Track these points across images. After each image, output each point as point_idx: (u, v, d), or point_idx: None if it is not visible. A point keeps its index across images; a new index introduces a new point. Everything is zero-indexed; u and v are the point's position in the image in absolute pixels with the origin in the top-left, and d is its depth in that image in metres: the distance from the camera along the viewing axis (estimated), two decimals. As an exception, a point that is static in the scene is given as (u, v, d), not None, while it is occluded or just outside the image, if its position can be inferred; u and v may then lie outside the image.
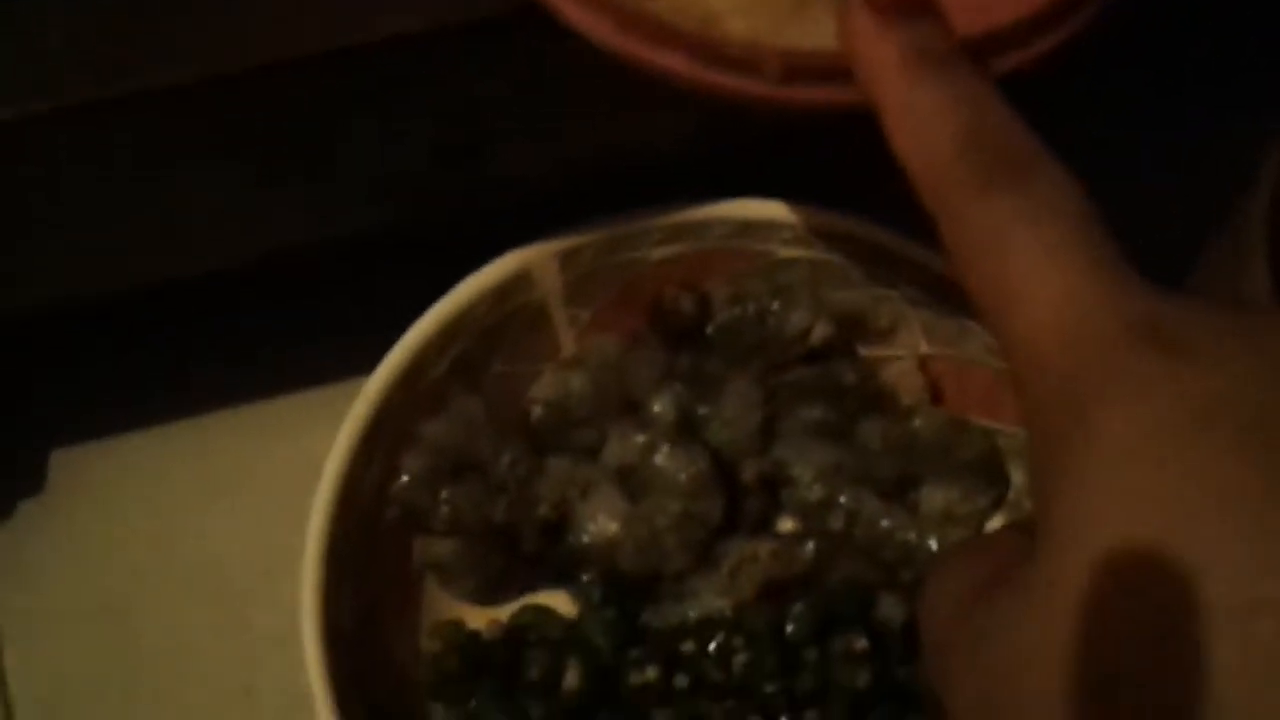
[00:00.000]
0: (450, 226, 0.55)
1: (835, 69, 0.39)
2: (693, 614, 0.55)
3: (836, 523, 0.57)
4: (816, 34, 0.40)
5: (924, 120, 0.36)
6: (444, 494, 0.55)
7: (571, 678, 0.53)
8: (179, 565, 0.57)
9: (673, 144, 0.54)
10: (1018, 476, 0.57)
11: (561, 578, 0.57)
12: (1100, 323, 0.31)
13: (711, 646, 0.54)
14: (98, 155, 0.49)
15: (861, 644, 0.54)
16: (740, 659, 0.53)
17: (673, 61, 0.40)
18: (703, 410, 0.57)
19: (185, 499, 0.58)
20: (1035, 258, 0.32)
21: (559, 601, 0.57)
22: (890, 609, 0.55)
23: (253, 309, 0.59)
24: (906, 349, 0.58)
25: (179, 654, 0.57)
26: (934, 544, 0.56)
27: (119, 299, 0.55)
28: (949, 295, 0.55)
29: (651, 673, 0.53)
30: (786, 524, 0.58)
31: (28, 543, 0.59)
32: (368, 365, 0.55)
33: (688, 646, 0.54)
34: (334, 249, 0.55)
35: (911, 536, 0.56)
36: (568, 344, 0.58)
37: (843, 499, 0.57)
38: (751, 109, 0.41)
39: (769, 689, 0.53)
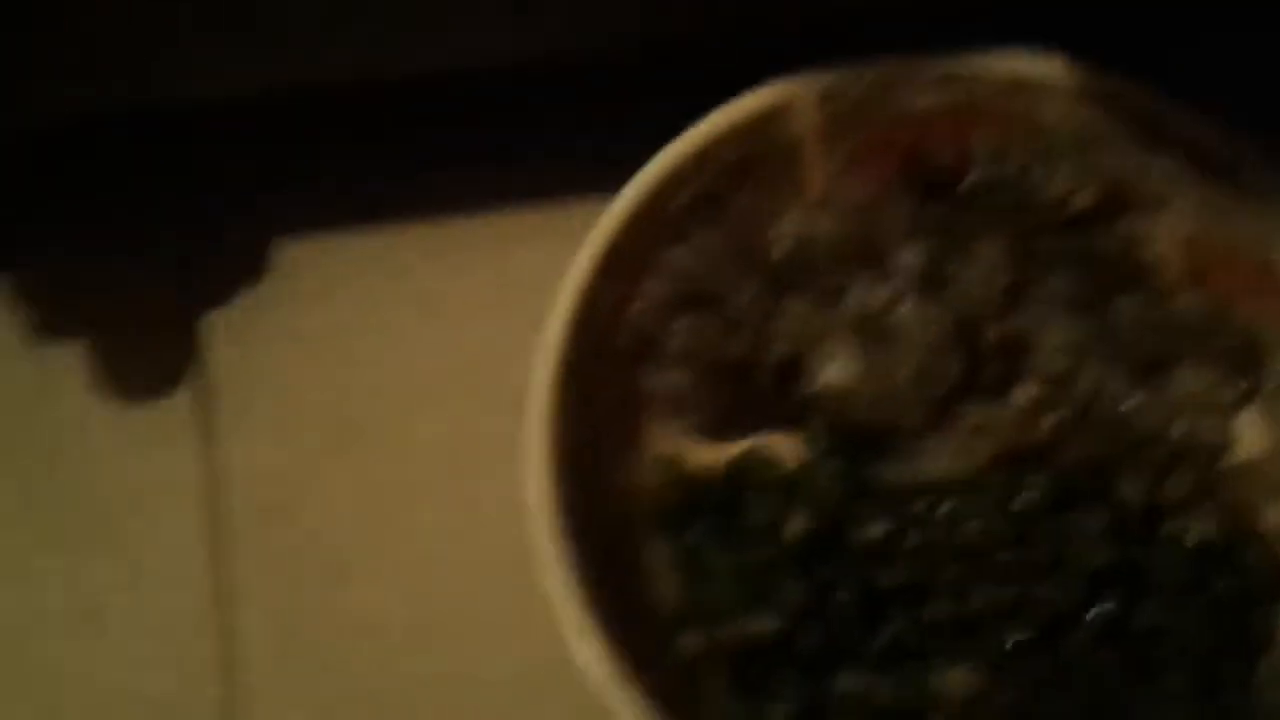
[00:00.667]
0: (717, 47, 0.53)
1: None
2: (924, 474, 0.53)
3: (1080, 398, 0.55)
4: None
5: None
6: (679, 323, 0.54)
7: (795, 525, 0.52)
8: (404, 369, 0.55)
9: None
10: (1276, 369, 0.54)
11: (790, 422, 0.55)
12: None
13: (943, 509, 0.52)
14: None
15: (1100, 521, 0.52)
16: (973, 525, 0.52)
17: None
18: (950, 267, 0.55)
19: (414, 303, 0.56)
20: None
21: (784, 446, 0.55)
22: (1130, 489, 0.53)
23: (501, 119, 0.57)
24: (1173, 225, 0.55)
25: (402, 461, 0.56)
26: (1182, 429, 0.54)
27: (365, 91, 0.54)
28: (1225, 173, 0.53)
29: (880, 529, 0.52)
30: (1025, 393, 0.55)
31: (249, 335, 0.58)
32: (612, 188, 0.53)
33: (919, 507, 0.52)
34: (596, 61, 0.53)
35: (1156, 420, 0.54)
36: (818, 185, 0.56)
37: (1087, 374, 0.55)
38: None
39: (1001, 558, 0.51)
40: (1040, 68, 0.53)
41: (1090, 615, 0.51)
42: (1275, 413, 0.54)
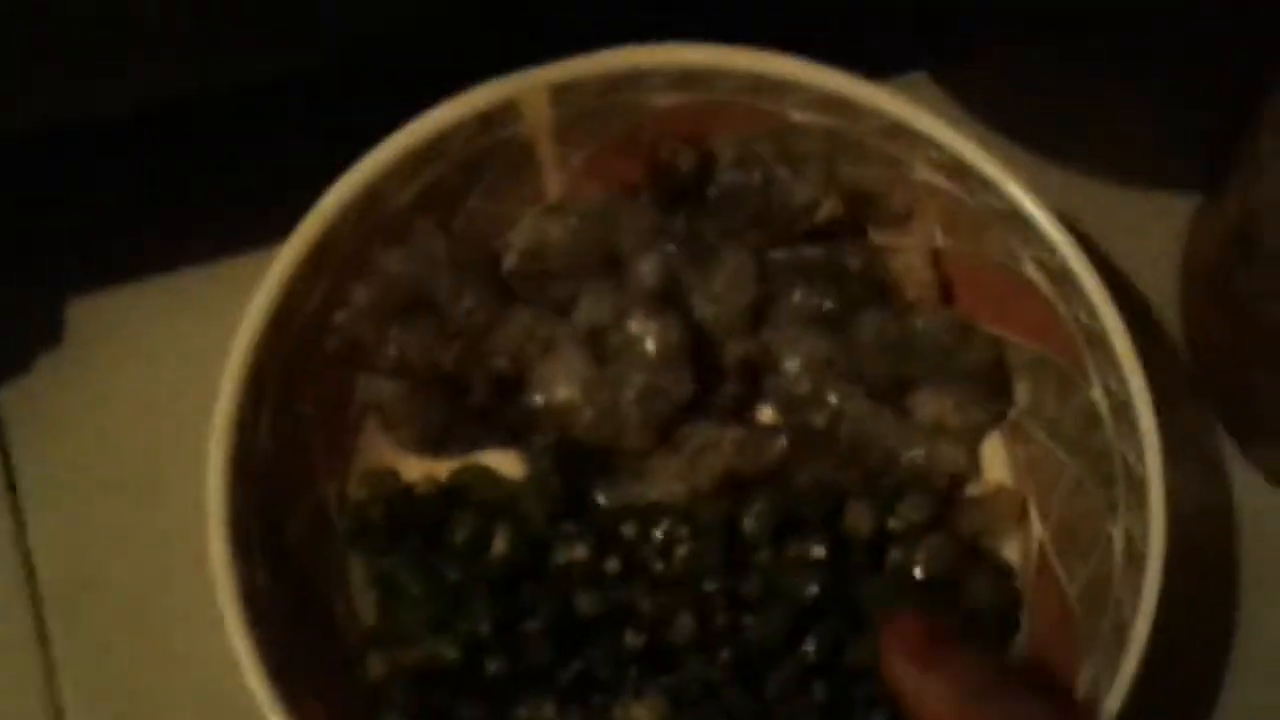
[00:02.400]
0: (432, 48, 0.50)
1: None
2: (642, 496, 0.50)
3: (819, 420, 0.52)
4: None
5: None
6: (392, 331, 0.51)
7: (499, 544, 0.49)
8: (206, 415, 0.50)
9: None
10: (1022, 392, 0.51)
11: (513, 439, 0.52)
12: None
13: (656, 533, 0.49)
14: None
15: (818, 551, 0.49)
16: (683, 550, 0.49)
17: None
18: (691, 280, 0.52)
19: (209, 346, 0.52)
20: None
21: (508, 464, 0.52)
22: (858, 517, 0.50)
23: (261, 146, 0.54)
24: (920, 239, 0.52)
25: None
26: (920, 455, 0.51)
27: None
28: (973, 188, 0.50)
29: (581, 551, 0.49)
30: (765, 414, 0.52)
31: (47, 397, 0.55)
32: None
33: (628, 530, 0.49)
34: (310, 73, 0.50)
35: (898, 444, 0.51)
36: (554, 189, 0.53)
37: (830, 395, 0.52)
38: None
39: (709, 586, 0.48)
40: (784, 68, 0.50)
41: (797, 651, 0.48)
42: (1017, 442, 0.51)
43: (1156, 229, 0.56)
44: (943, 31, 0.58)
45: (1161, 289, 0.56)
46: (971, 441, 0.51)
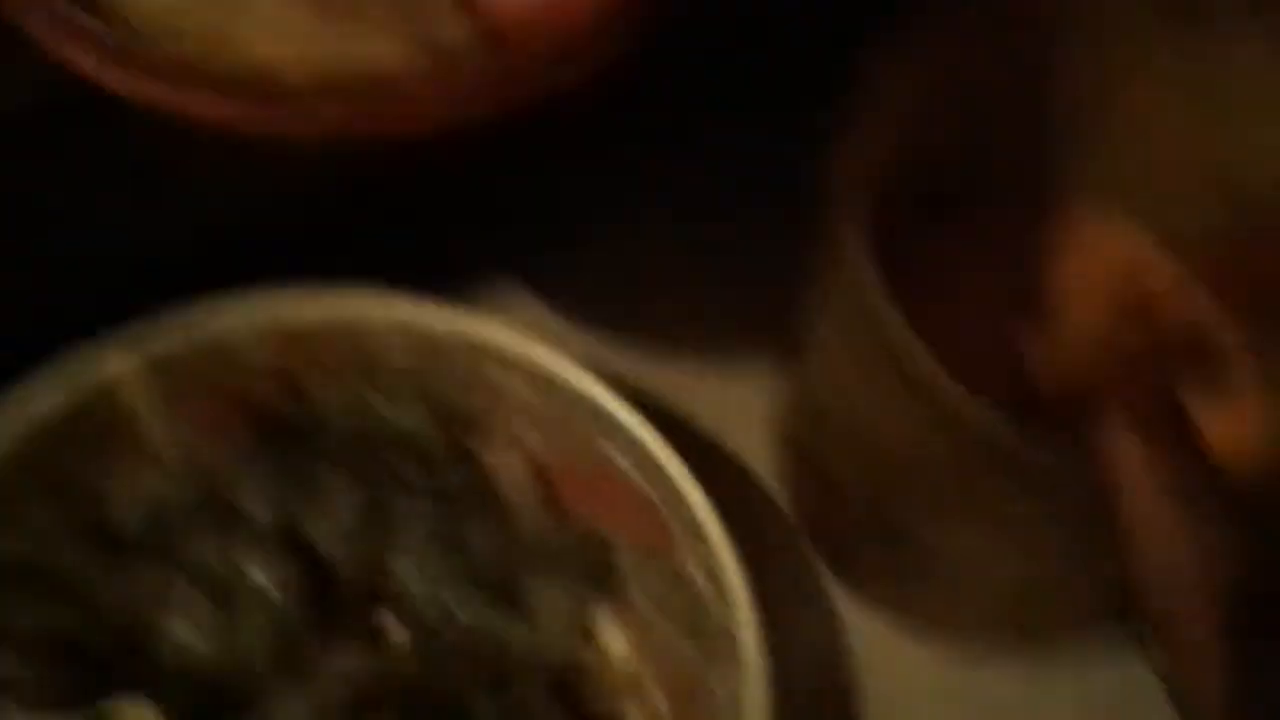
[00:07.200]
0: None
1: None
2: (279, 728, 0.52)
3: (441, 626, 0.54)
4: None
5: (1195, 564, 0.38)
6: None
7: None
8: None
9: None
10: (627, 570, 0.54)
11: (142, 686, 0.53)
12: None
13: (289, 760, 0.50)
14: None
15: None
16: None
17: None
18: (302, 510, 0.54)
19: None
20: None
21: (138, 713, 0.53)
22: (481, 709, 0.52)
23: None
24: (517, 447, 0.55)
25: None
26: (533, 642, 0.53)
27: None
28: (558, 393, 0.53)
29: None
30: (388, 623, 0.54)
31: None
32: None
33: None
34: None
35: (512, 637, 0.53)
36: (155, 442, 0.54)
37: (450, 603, 0.54)
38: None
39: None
40: (366, 309, 0.53)
41: None
42: (627, 618, 0.54)
43: (747, 392, 0.60)
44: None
45: (759, 451, 0.60)
46: (583, 623, 0.54)
